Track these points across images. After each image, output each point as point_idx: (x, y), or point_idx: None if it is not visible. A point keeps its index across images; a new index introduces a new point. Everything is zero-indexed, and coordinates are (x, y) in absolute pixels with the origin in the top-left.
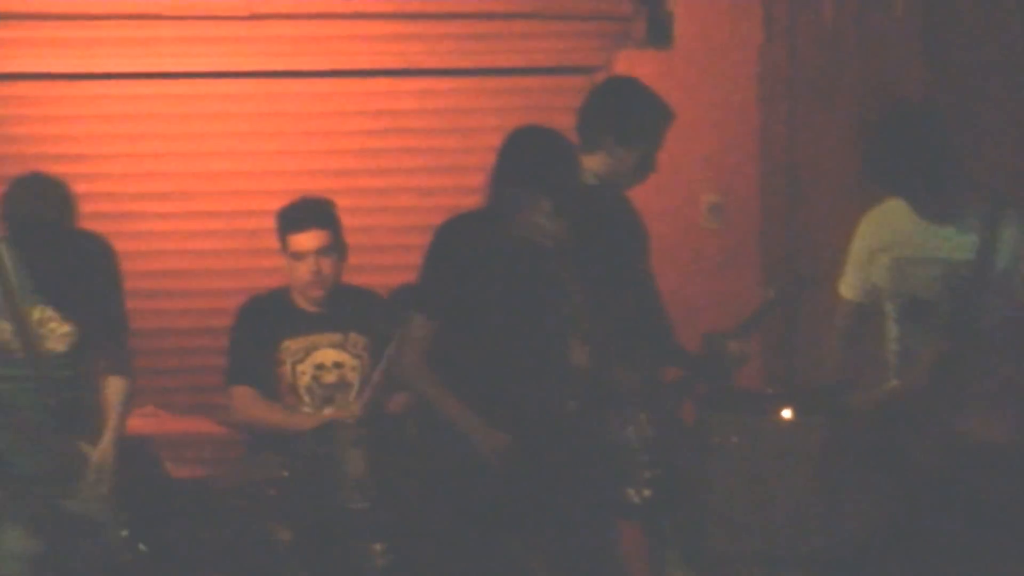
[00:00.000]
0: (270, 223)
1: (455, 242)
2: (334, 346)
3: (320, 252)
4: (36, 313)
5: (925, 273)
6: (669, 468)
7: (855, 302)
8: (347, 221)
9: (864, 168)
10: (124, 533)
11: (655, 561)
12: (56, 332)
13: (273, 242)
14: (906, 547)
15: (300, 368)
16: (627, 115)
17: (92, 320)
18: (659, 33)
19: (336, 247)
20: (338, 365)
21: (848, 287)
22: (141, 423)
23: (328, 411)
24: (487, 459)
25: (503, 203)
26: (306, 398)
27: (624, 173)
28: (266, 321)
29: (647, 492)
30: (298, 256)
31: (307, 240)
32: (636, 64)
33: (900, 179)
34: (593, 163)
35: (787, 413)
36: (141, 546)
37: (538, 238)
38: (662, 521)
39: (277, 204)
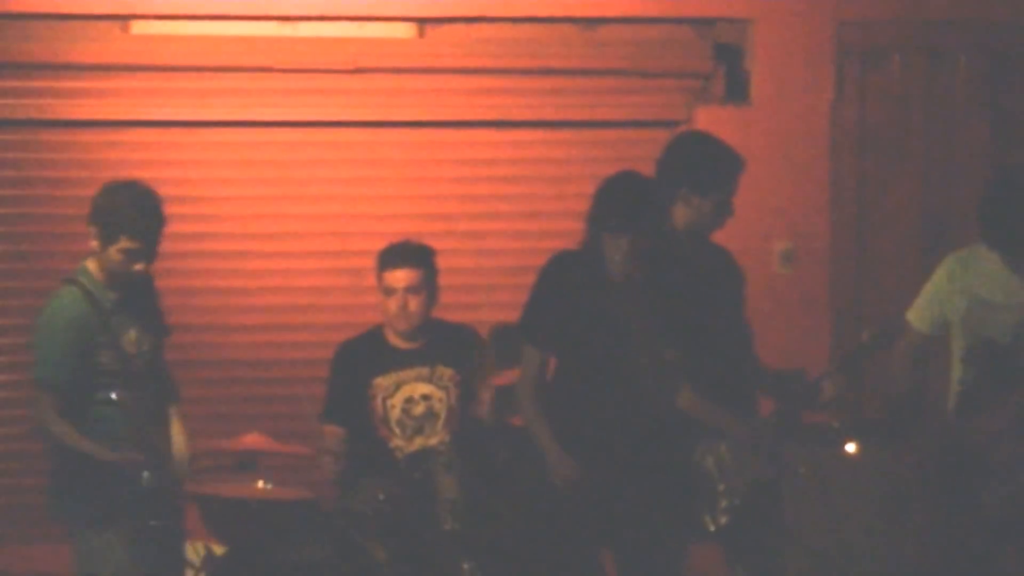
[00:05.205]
0: (372, 263)
1: (551, 277)
2: (422, 379)
3: (408, 290)
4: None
5: (1002, 319)
6: (746, 498)
7: (922, 333)
8: (444, 262)
9: (978, 221)
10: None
11: None
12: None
13: (375, 280)
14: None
15: (391, 402)
16: (698, 166)
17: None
18: (737, 90)
19: (425, 287)
20: (426, 397)
21: (919, 317)
22: (253, 446)
23: (419, 440)
24: (554, 482)
25: (593, 242)
26: (396, 430)
27: (702, 220)
28: (358, 363)
29: (723, 520)
30: (388, 291)
31: (398, 277)
32: (715, 119)
33: (1000, 234)
34: (673, 212)
35: (851, 447)
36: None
37: (614, 274)
38: (740, 545)
39: (379, 245)
